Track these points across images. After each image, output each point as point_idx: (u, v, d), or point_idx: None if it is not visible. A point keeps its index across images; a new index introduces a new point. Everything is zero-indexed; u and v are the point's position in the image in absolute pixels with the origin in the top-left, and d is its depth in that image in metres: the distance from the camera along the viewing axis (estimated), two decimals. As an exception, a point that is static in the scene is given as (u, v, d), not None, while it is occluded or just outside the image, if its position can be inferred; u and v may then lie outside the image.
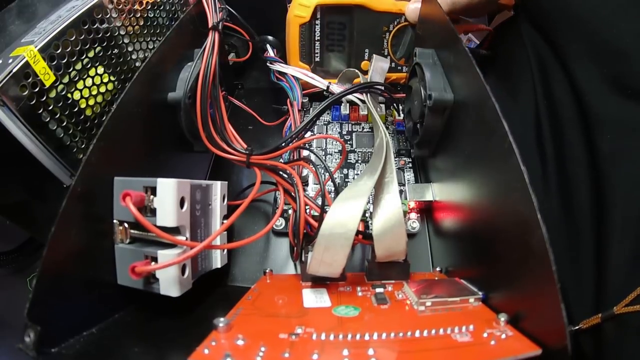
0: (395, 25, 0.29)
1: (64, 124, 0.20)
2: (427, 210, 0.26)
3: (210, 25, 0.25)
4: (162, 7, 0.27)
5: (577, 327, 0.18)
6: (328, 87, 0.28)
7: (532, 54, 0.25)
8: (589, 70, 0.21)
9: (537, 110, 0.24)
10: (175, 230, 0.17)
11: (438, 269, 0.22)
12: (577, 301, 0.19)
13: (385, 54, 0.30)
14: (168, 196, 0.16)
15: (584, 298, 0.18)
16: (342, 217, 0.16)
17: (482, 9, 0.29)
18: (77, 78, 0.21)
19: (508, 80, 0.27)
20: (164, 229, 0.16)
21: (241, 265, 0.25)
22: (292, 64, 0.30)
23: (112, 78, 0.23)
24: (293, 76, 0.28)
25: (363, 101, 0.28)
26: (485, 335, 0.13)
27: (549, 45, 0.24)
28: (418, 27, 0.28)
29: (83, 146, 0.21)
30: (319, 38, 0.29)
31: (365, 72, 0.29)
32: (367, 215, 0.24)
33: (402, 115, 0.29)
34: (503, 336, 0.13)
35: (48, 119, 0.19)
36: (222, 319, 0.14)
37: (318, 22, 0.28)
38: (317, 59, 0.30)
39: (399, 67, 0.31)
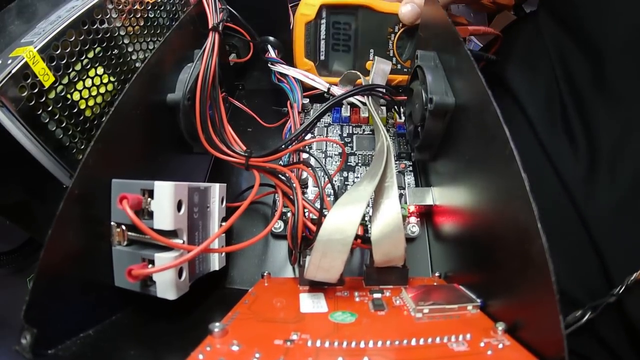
0: (400, 28, 0.29)
1: (64, 124, 0.20)
2: (427, 215, 0.26)
3: (210, 25, 0.24)
4: (162, 8, 0.26)
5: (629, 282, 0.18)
6: (329, 89, 0.28)
7: (551, 45, 0.25)
8: (626, 64, 0.21)
9: (560, 91, 0.24)
10: (172, 233, 0.17)
11: (437, 274, 0.22)
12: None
13: (391, 55, 0.30)
14: (165, 199, 0.16)
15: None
16: (341, 223, 0.16)
17: None
18: (76, 79, 0.21)
19: (527, 69, 0.28)
20: (161, 232, 0.16)
21: (239, 268, 0.25)
22: (297, 61, 0.30)
23: (112, 79, 0.23)
24: (294, 78, 0.28)
25: (364, 103, 0.28)
26: (482, 344, 0.13)
27: (573, 39, 0.25)
28: (420, 29, 0.28)
29: (82, 147, 0.21)
30: (324, 37, 0.29)
31: (369, 72, 0.29)
32: (366, 219, 0.24)
33: (403, 117, 0.29)
34: (500, 346, 0.13)
35: (47, 120, 0.19)
36: (217, 324, 0.14)
37: (324, 21, 0.29)
38: (322, 58, 0.30)
39: (405, 69, 0.30)
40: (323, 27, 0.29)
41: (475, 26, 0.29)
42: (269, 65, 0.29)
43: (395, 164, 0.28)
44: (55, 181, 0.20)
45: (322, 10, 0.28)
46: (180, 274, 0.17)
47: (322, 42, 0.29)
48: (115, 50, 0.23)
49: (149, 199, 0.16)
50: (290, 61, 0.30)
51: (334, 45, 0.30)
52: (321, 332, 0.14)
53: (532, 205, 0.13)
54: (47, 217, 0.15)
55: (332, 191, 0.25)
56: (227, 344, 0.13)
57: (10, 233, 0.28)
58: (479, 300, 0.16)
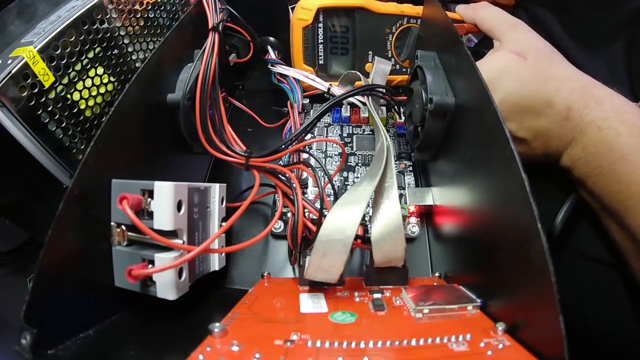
0: (398, 27, 0.29)
1: (64, 124, 0.20)
2: (427, 215, 0.26)
3: (210, 26, 0.24)
4: (162, 8, 0.26)
5: None
6: (329, 89, 0.28)
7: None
8: None
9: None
10: (172, 234, 0.17)
11: (437, 274, 0.22)
12: None
13: (389, 55, 0.30)
14: (165, 200, 0.16)
15: None
16: (341, 223, 0.16)
17: None
18: (76, 79, 0.21)
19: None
20: (161, 232, 0.16)
21: (239, 268, 0.25)
22: (296, 66, 0.30)
23: (112, 79, 0.23)
24: (294, 78, 0.28)
25: (364, 103, 0.28)
26: (482, 345, 0.13)
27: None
28: (420, 29, 0.28)
29: (82, 147, 0.21)
30: (322, 41, 0.29)
31: (369, 74, 0.29)
32: (366, 219, 0.24)
33: (403, 117, 0.29)
34: (500, 346, 0.13)
35: (47, 120, 0.19)
36: (217, 324, 0.14)
37: (321, 25, 0.29)
38: (321, 62, 0.30)
39: (404, 69, 0.30)
40: (321, 31, 0.29)
41: (471, 25, 0.29)
42: (269, 66, 0.29)
43: (396, 164, 0.28)
44: (56, 181, 0.20)
45: (319, 14, 0.28)
46: (180, 274, 0.17)
47: (321, 46, 0.29)
48: (115, 50, 0.23)
49: (149, 199, 0.16)
50: (290, 62, 0.30)
51: (332, 49, 0.30)
52: (321, 333, 0.14)
53: (532, 205, 0.13)
54: (47, 217, 0.15)
55: (332, 191, 0.25)
56: (227, 344, 0.13)
57: (11, 233, 0.28)
58: (479, 301, 0.16)
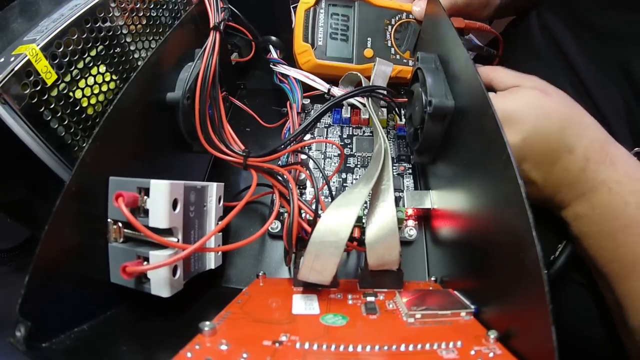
0: (397, 21, 0.30)
1: (66, 122, 0.21)
2: (425, 218, 0.25)
3: (211, 25, 0.24)
4: (165, 6, 0.27)
5: None
6: (329, 90, 0.28)
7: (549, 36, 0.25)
8: None
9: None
10: (167, 232, 0.17)
11: (433, 278, 0.22)
12: None
13: (389, 45, 0.30)
14: (160, 198, 0.16)
15: None
16: (334, 225, 0.16)
17: (482, 10, 0.30)
18: (78, 77, 0.21)
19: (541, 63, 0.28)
20: (156, 230, 0.16)
21: (236, 267, 0.25)
22: (295, 42, 0.30)
23: (114, 77, 0.23)
24: (295, 78, 0.28)
25: (364, 104, 0.28)
26: (472, 352, 0.13)
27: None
28: (422, 30, 0.28)
29: (84, 145, 0.22)
30: (322, 25, 0.30)
31: (368, 60, 0.29)
32: (363, 221, 0.24)
33: (403, 120, 0.29)
34: (491, 354, 0.13)
35: (49, 118, 0.20)
36: (207, 323, 0.14)
37: (322, 10, 0.30)
38: (320, 43, 0.30)
39: (405, 60, 0.30)
40: (322, 16, 0.29)
41: (474, 24, 0.28)
42: (271, 65, 0.29)
43: (395, 166, 0.28)
44: (57, 179, 0.21)
45: (321, 0, 0.29)
46: (174, 272, 0.17)
47: (321, 29, 0.30)
48: (118, 49, 0.23)
49: (145, 197, 0.16)
50: (291, 61, 0.30)
51: (332, 34, 0.30)
52: (311, 335, 0.14)
53: (527, 212, 0.13)
54: (48, 214, 0.15)
55: (329, 192, 0.25)
56: (216, 343, 0.13)
57: (12, 230, 0.28)
58: (473, 307, 0.16)
